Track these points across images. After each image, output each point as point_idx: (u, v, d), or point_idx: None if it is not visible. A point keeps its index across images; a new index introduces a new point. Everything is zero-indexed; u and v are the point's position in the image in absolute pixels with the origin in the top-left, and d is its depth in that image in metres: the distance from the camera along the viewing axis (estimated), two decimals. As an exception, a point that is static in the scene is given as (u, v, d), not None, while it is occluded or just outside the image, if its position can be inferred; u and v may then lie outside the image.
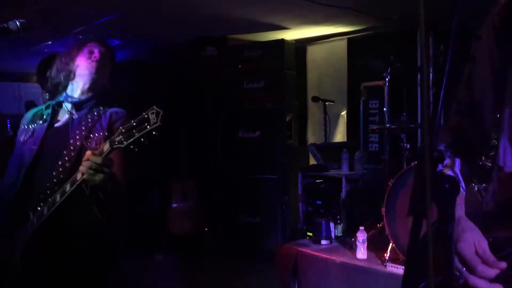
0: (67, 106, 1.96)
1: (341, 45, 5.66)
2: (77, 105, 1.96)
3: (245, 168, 5.02)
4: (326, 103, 5.20)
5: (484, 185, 1.10)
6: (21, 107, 7.21)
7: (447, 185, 0.76)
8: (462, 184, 1.11)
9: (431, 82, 5.01)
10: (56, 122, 1.95)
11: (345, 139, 5.64)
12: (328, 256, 3.52)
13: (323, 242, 3.81)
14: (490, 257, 0.97)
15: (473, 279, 0.96)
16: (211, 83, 5.49)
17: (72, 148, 1.84)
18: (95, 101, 1.98)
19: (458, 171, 1.13)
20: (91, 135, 1.88)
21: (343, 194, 4.16)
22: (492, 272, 0.96)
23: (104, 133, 1.87)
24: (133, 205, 5.07)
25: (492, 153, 1.15)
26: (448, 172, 1.12)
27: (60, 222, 1.70)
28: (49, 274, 1.72)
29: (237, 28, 5.25)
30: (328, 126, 5.18)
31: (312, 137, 5.97)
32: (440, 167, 0.96)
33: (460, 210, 1.05)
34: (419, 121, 4.93)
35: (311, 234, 4.06)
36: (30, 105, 6.88)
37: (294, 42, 5.15)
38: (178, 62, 6.03)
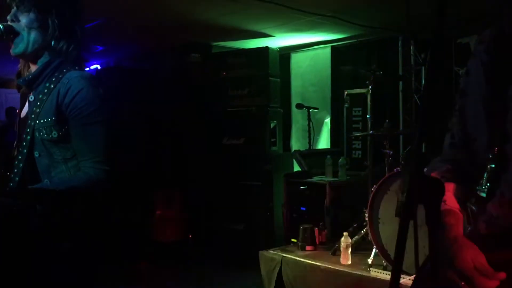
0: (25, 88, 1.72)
1: (325, 53, 5.73)
2: (29, 83, 1.68)
3: (230, 175, 5.02)
4: (310, 110, 5.24)
5: (477, 207, 1.12)
6: (2, 114, 7.11)
7: (432, 187, 0.79)
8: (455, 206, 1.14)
9: (413, 90, 5.11)
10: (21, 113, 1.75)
11: (329, 146, 5.69)
12: (312, 262, 3.54)
13: (308, 248, 3.83)
14: (489, 269, 0.99)
15: None
16: (195, 90, 5.49)
17: (24, 143, 1.65)
18: (45, 71, 1.65)
19: (452, 195, 1.15)
20: (39, 121, 1.62)
21: (327, 200, 4.18)
22: (492, 284, 0.99)
23: (51, 119, 1.60)
24: (116, 213, 5.03)
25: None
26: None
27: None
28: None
29: (222, 35, 5.27)
30: (312, 133, 5.22)
31: (296, 144, 6.01)
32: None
33: (457, 229, 1.08)
34: (401, 128, 5.01)
35: (295, 240, 4.08)
36: (12, 111, 6.81)
37: (278, 49, 5.19)
38: (162, 68, 6.01)
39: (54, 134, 1.61)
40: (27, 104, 1.72)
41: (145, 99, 5.58)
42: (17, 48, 1.64)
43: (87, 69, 1.88)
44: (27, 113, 1.70)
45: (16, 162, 1.66)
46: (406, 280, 2.69)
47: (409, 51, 5.15)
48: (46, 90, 1.64)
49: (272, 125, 4.95)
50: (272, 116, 4.96)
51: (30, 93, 1.70)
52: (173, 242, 5.08)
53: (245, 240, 4.84)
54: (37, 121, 1.62)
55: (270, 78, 4.93)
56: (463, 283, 1.02)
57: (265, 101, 4.92)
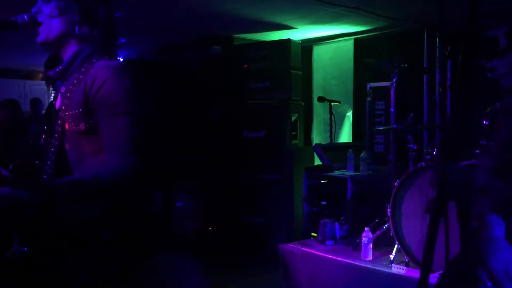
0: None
1: (348, 45, 5.64)
2: (59, 74, 1.69)
3: (250, 168, 5.00)
4: (332, 104, 5.18)
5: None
6: (27, 105, 7.23)
7: (464, 184, 0.75)
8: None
9: (438, 83, 5.00)
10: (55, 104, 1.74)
11: (350, 140, 5.62)
12: (333, 257, 3.51)
13: (328, 242, 3.80)
14: None
15: None
16: (216, 83, 5.48)
17: (55, 135, 1.64)
18: (74, 62, 1.65)
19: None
20: (68, 113, 1.60)
21: (348, 194, 4.14)
22: None
23: (78, 110, 1.59)
24: (136, 205, 5.07)
25: None
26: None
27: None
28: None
29: (243, 27, 5.24)
30: (334, 126, 5.16)
31: (318, 138, 5.96)
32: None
33: (499, 230, 1.05)
34: (425, 122, 4.91)
35: (315, 234, 4.05)
36: (36, 102, 6.91)
37: (300, 42, 5.14)
38: (184, 61, 6.02)
39: (82, 125, 1.59)
40: (59, 96, 1.72)
41: (167, 91, 5.59)
42: (40, 37, 1.65)
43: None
44: (60, 105, 1.69)
45: (49, 154, 1.65)
46: (431, 277, 2.63)
47: (435, 43, 5.03)
48: (75, 81, 1.64)
49: (293, 118, 4.92)
50: (293, 109, 4.92)
51: (62, 85, 1.70)
52: (193, 234, 5.10)
53: (265, 234, 4.83)
54: (67, 112, 1.62)
55: (291, 70, 4.89)
56: (489, 284, 0.99)
57: (286, 94, 4.88)
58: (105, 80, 1.56)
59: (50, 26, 1.63)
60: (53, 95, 1.79)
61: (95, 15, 1.66)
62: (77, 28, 1.64)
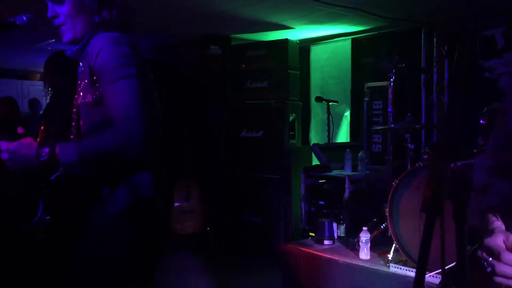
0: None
1: (345, 45, 5.65)
2: (77, 52, 1.72)
3: (248, 168, 5.01)
4: (330, 103, 5.19)
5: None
6: (25, 105, 7.22)
7: (460, 182, 0.75)
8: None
9: (435, 83, 5.01)
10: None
11: (348, 140, 5.63)
12: (331, 257, 3.52)
13: (326, 242, 3.81)
14: None
15: (500, 266, 1.02)
16: (214, 82, 5.49)
17: (74, 109, 1.70)
18: (84, 40, 1.68)
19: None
20: (80, 87, 1.65)
21: (346, 194, 4.15)
22: None
23: (85, 82, 1.62)
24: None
25: None
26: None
27: None
28: None
29: (241, 27, 5.24)
30: (332, 126, 5.17)
31: (315, 137, 5.97)
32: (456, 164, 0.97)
33: (501, 224, 1.13)
34: (423, 122, 4.92)
35: (313, 234, 4.06)
36: (34, 103, 6.90)
37: (298, 42, 5.14)
38: (182, 61, 6.03)
39: (89, 97, 1.61)
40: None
41: (164, 91, 5.59)
42: (66, 36, 1.69)
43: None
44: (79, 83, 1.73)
45: (72, 129, 1.70)
46: (427, 276, 2.64)
47: (432, 43, 5.04)
48: (85, 55, 1.68)
49: (291, 118, 4.92)
50: (291, 109, 4.93)
51: (79, 63, 1.75)
52: (191, 235, 5.11)
53: (263, 233, 4.84)
54: (79, 88, 1.66)
55: (289, 70, 4.90)
56: (490, 259, 1.05)
57: (284, 94, 4.89)
58: (101, 48, 1.58)
59: (74, 25, 1.67)
60: (50, 96, 1.84)
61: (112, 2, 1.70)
62: (96, 17, 1.67)
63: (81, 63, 1.72)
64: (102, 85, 1.57)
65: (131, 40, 1.66)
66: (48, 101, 3.17)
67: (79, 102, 1.65)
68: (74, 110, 1.70)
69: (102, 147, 1.51)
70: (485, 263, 1.06)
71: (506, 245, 1.05)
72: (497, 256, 1.05)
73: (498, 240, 1.06)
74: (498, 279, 1.03)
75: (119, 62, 1.56)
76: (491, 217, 1.14)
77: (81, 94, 1.62)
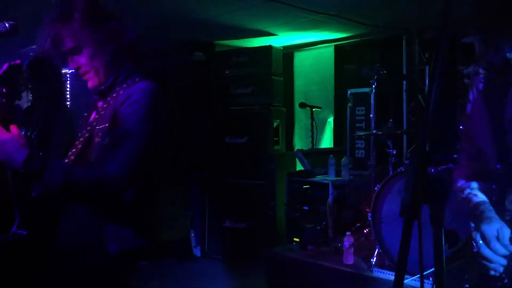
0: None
1: (328, 52, 5.71)
2: (101, 92, 1.74)
3: (232, 173, 5.01)
4: (313, 109, 5.23)
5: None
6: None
7: (437, 187, 0.78)
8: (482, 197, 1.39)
9: (417, 89, 5.09)
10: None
11: (332, 145, 5.68)
12: (315, 262, 3.54)
13: (310, 247, 3.83)
14: (506, 241, 1.21)
15: (484, 249, 1.22)
16: (198, 89, 5.48)
17: (77, 142, 1.67)
18: (116, 81, 1.70)
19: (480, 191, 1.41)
20: (99, 126, 1.64)
21: (329, 199, 4.18)
22: (503, 252, 1.21)
23: (106, 125, 1.61)
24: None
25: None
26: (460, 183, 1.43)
27: None
28: None
29: (225, 33, 5.26)
30: (315, 132, 5.21)
31: (299, 143, 6.00)
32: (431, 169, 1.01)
33: (494, 214, 1.31)
34: (404, 128, 4.99)
35: (297, 239, 4.07)
36: (16, 108, 6.81)
37: (281, 48, 5.18)
38: (165, 67, 6.01)
39: (107, 140, 1.60)
40: (95, 112, 1.75)
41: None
42: (91, 83, 1.71)
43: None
44: (94, 118, 1.72)
45: (69, 154, 1.66)
46: (409, 280, 2.68)
47: (414, 50, 5.12)
48: (115, 94, 1.68)
49: (275, 124, 4.94)
50: (275, 115, 4.95)
51: (100, 100, 1.75)
52: (176, 241, 5.08)
53: (248, 239, 4.83)
54: (97, 126, 1.64)
55: (273, 77, 4.92)
56: (480, 242, 1.23)
57: (268, 100, 4.92)
58: (137, 100, 1.61)
59: (97, 72, 1.69)
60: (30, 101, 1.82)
61: (123, 36, 1.72)
62: (114, 56, 1.69)
63: (102, 102, 1.72)
64: (120, 129, 1.59)
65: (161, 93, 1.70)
66: (28, 105, 3.14)
67: (96, 141, 1.63)
68: (80, 146, 1.66)
69: (87, 179, 1.53)
70: (475, 244, 1.23)
71: (498, 235, 1.21)
72: (488, 241, 1.22)
73: (493, 228, 1.22)
74: (481, 261, 1.22)
75: (146, 117, 1.60)
76: (489, 205, 1.32)
77: (100, 134, 1.61)
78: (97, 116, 1.67)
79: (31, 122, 2.79)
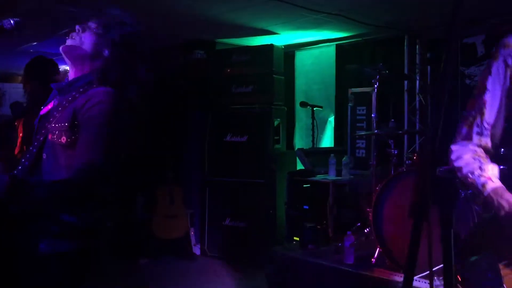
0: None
1: (330, 51, 5.70)
2: (61, 87, 1.80)
3: (232, 172, 5.01)
4: (314, 109, 5.23)
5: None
6: (6, 108, 7.10)
7: (447, 188, 0.77)
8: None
9: (417, 89, 5.09)
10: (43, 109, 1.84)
11: (332, 145, 5.67)
12: (315, 261, 3.53)
13: (310, 246, 3.82)
14: None
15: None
16: (199, 87, 5.48)
17: (35, 143, 1.72)
18: (77, 83, 1.76)
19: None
20: (55, 125, 1.69)
21: (330, 199, 4.17)
22: None
23: (64, 124, 1.66)
24: (118, 210, 5.03)
25: None
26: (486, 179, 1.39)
27: None
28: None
29: (226, 32, 5.25)
30: (316, 131, 5.20)
31: (300, 142, 5.99)
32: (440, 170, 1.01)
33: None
34: (406, 128, 4.99)
35: (298, 238, 4.07)
36: (16, 106, 6.78)
37: (283, 47, 5.17)
38: (166, 65, 6.00)
39: (63, 139, 1.65)
40: (51, 105, 1.79)
41: (149, 95, 5.55)
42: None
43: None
44: (48, 113, 1.77)
45: (23, 160, 1.70)
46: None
47: (415, 50, 5.12)
48: (70, 98, 1.72)
49: (275, 123, 4.94)
50: (276, 114, 4.95)
51: (57, 97, 1.79)
52: (175, 239, 5.08)
53: (248, 238, 4.83)
54: (53, 125, 1.68)
55: (274, 76, 4.92)
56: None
57: (269, 99, 4.91)
58: (99, 102, 1.66)
59: (83, 40, 1.76)
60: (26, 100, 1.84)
61: (117, 43, 1.79)
62: (106, 51, 1.76)
63: (57, 98, 1.78)
64: (82, 132, 1.64)
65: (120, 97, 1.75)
66: (24, 105, 3.14)
67: (49, 138, 1.68)
68: (35, 143, 1.71)
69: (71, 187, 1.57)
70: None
71: None
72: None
73: None
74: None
75: (108, 118, 1.66)
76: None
77: (56, 132, 1.66)
78: (55, 114, 1.71)
79: (29, 124, 2.78)
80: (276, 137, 4.94)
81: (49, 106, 1.80)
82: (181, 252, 5.08)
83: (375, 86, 3.91)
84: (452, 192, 0.77)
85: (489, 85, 1.45)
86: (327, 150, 4.97)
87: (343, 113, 5.45)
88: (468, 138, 1.49)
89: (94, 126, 1.63)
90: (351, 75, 5.34)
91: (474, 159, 1.43)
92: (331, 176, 4.42)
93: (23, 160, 1.70)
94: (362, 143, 5.10)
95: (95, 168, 1.59)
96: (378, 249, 3.28)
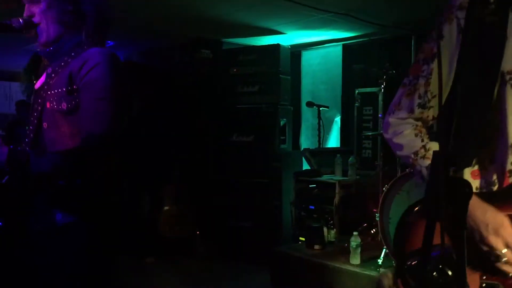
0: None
1: (336, 51, 5.68)
2: (49, 55, 1.71)
3: (238, 172, 5.00)
4: (320, 109, 5.21)
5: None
6: (12, 107, 7.14)
7: (461, 188, 0.76)
8: None
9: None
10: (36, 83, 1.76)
11: (338, 145, 5.66)
12: (321, 261, 3.52)
13: (316, 247, 3.81)
14: None
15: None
16: (205, 86, 5.48)
17: (34, 114, 1.65)
18: (65, 45, 1.67)
19: None
20: (51, 92, 1.61)
21: (336, 199, 4.16)
22: None
23: (62, 90, 1.59)
24: (124, 208, 5.03)
25: None
26: None
27: None
28: None
29: (233, 31, 5.25)
30: (322, 131, 5.19)
31: (306, 142, 5.99)
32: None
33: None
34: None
35: (303, 238, 4.06)
36: (22, 105, 6.82)
37: (289, 47, 5.16)
38: (173, 65, 6.01)
39: (64, 105, 1.58)
40: (44, 76, 1.71)
41: (155, 95, 5.57)
42: (41, 37, 1.69)
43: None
44: (42, 84, 1.69)
45: (28, 132, 1.65)
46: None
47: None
48: (63, 63, 1.65)
49: (282, 122, 4.93)
50: (282, 114, 4.94)
51: (49, 66, 1.71)
52: (181, 238, 5.08)
53: (253, 238, 4.82)
54: (49, 92, 1.62)
55: (280, 75, 4.91)
56: (505, 251, 1.03)
57: (275, 98, 4.90)
58: (97, 64, 1.58)
59: (48, 26, 1.65)
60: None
61: (86, 3, 1.68)
62: (69, 16, 1.65)
63: (51, 66, 1.69)
64: (85, 97, 1.57)
65: (119, 59, 1.68)
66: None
67: (47, 106, 1.61)
68: (35, 114, 1.64)
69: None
70: (494, 252, 1.04)
71: None
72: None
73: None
74: (504, 267, 1.04)
75: (109, 82, 1.58)
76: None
77: (54, 99, 1.59)
78: (50, 81, 1.64)
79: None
80: (282, 137, 4.93)
81: (42, 79, 1.72)
82: (187, 251, 5.08)
83: (382, 86, 3.89)
84: (467, 192, 0.77)
85: (437, 50, 1.25)
86: (333, 150, 4.96)
87: (350, 113, 5.43)
88: (408, 109, 1.30)
89: (96, 91, 1.56)
90: (357, 75, 5.32)
91: (416, 135, 1.27)
92: (337, 176, 4.41)
93: (27, 132, 1.65)
94: (369, 143, 5.08)
95: (101, 136, 1.54)
96: (384, 250, 3.27)
